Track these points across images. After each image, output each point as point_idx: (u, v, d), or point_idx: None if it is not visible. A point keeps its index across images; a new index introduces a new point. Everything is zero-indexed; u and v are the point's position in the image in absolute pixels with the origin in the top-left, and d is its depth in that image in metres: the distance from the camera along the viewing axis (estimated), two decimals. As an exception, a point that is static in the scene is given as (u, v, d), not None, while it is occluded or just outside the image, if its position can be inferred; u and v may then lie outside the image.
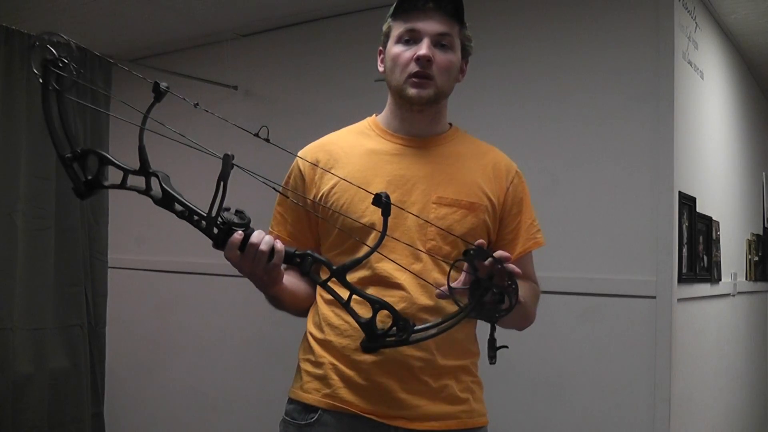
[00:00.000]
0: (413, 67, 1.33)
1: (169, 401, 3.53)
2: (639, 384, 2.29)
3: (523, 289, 1.19)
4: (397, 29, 1.36)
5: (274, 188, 1.20)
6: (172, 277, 3.57)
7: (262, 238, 1.14)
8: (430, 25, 1.33)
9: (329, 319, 1.35)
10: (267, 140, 1.09)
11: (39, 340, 2.63)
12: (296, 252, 1.17)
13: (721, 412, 3.04)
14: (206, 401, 3.38)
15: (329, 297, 1.28)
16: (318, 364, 1.35)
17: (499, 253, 1.12)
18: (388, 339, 1.14)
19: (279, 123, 3.20)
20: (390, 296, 1.28)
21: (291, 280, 1.38)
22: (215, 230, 1.11)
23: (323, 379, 1.33)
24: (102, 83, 2.85)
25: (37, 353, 2.62)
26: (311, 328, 1.40)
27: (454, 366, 1.34)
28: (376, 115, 1.48)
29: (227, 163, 1.07)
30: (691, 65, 2.55)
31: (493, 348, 1.19)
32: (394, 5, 1.38)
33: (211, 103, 3.42)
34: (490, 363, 1.20)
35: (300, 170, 1.41)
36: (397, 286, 1.30)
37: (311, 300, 1.43)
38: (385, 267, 1.30)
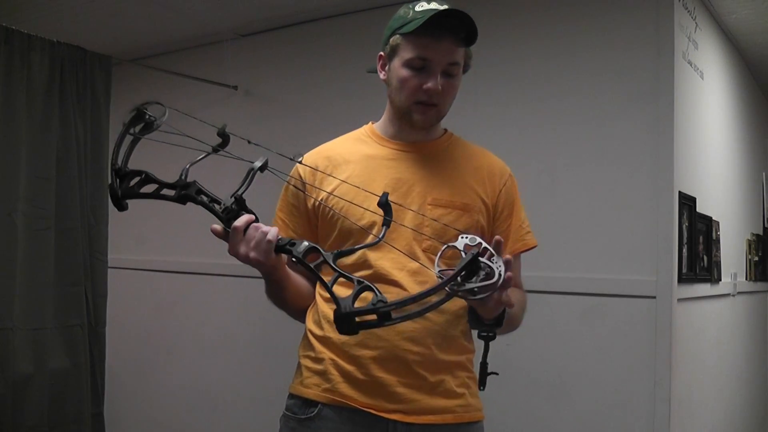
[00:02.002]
0: (421, 96, 1.36)
1: (169, 401, 3.53)
2: (639, 384, 2.29)
3: (514, 294, 1.21)
4: (407, 52, 1.35)
5: (297, 188, 1.21)
6: (172, 277, 3.57)
7: (261, 226, 1.22)
8: (441, 55, 1.34)
9: (328, 316, 1.38)
10: (300, 162, 1.26)
11: (39, 340, 2.62)
12: (291, 240, 1.22)
13: (721, 412, 3.04)
14: (206, 401, 3.39)
15: (328, 296, 1.30)
16: (318, 360, 1.39)
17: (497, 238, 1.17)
18: (365, 323, 1.06)
19: (279, 123, 3.19)
20: (388, 293, 1.31)
21: (296, 276, 1.42)
22: (232, 205, 1.21)
23: (323, 374, 1.37)
24: (101, 82, 2.85)
25: (37, 353, 2.62)
26: (311, 325, 1.44)
27: (451, 361, 1.37)
28: (373, 123, 1.51)
29: (266, 164, 1.20)
30: (691, 65, 2.55)
31: (484, 373, 1.22)
32: (406, 25, 1.34)
33: (211, 103, 3.44)
34: (480, 389, 1.23)
35: (300, 176, 1.45)
36: (395, 284, 1.34)
37: (311, 299, 1.46)
38: (384, 265, 1.35)
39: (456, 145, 1.49)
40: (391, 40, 1.39)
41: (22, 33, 2.56)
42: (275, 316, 1.53)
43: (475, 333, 1.40)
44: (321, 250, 1.16)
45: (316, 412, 1.36)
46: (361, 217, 1.36)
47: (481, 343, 1.34)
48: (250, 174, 1.20)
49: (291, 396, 1.42)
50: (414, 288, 1.32)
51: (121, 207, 1.21)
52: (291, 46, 3.26)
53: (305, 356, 1.42)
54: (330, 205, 1.39)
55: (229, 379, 3.32)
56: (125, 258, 3.64)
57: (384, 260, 1.34)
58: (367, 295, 1.07)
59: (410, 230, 1.35)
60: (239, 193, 1.21)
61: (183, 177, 1.20)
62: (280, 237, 1.21)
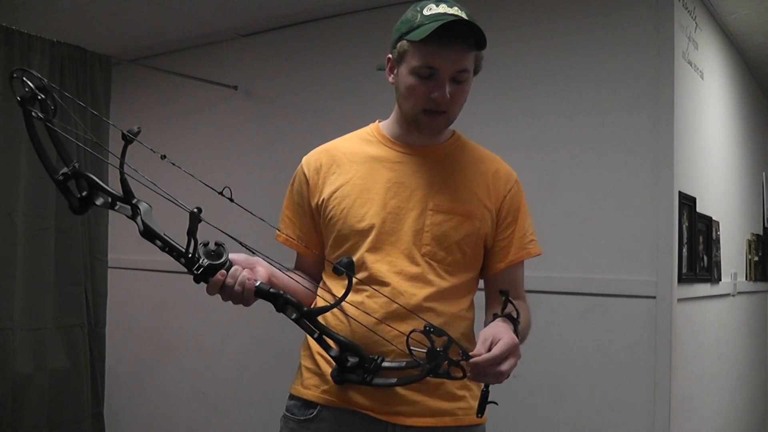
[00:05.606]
0: (429, 104, 1.33)
1: (169, 401, 3.53)
2: (639, 384, 2.29)
3: (522, 316, 1.26)
4: (414, 60, 1.31)
5: (261, 219, 1.23)
6: (172, 277, 3.55)
7: (236, 277, 1.21)
8: (450, 64, 1.29)
9: (327, 319, 1.37)
10: (230, 200, 1.13)
11: (39, 340, 2.63)
12: (270, 291, 1.23)
13: (721, 412, 3.04)
14: (206, 401, 3.39)
15: (330, 298, 1.32)
16: (317, 362, 1.38)
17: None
18: (354, 375, 1.25)
19: (279, 123, 3.20)
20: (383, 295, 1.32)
21: (285, 280, 1.39)
22: (196, 270, 1.18)
23: (322, 376, 1.37)
24: (102, 82, 2.85)
25: (37, 353, 2.62)
26: None
27: None
28: (379, 122, 1.49)
29: (194, 219, 1.12)
30: (691, 65, 2.55)
31: (484, 401, 1.24)
32: (413, 32, 1.30)
33: (211, 103, 3.43)
34: (477, 416, 1.23)
35: (304, 174, 1.45)
36: (390, 286, 1.33)
37: (308, 298, 1.44)
38: (380, 269, 1.34)
39: (463, 148, 1.46)
40: (398, 45, 1.34)
41: (22, 33, 2.56)
42: (275, 317, 1.52)
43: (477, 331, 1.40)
44: (301, 308, 1.22)
45: (315, 413, 1.36)
46: (361, 219, 1.35)
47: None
48: (190, 240, 1.14)
49: (291, 397, 1.42)
50: (408, 291, 1.32)
51: (83, 212, 1.18)
52: (291, 46, 3.26)
53: (305, 357, 1.42)
54: (331, 206, 1.38)
55: (230, 379, 3.32)
56: (125, 258, 3.64)
57: (381, 263, 1.34)
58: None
59: (410, 235, 1.35)
60: (194, 254, 1.15)
61: (128, 193, 1.16)
62: (259, 283, 1.22)
